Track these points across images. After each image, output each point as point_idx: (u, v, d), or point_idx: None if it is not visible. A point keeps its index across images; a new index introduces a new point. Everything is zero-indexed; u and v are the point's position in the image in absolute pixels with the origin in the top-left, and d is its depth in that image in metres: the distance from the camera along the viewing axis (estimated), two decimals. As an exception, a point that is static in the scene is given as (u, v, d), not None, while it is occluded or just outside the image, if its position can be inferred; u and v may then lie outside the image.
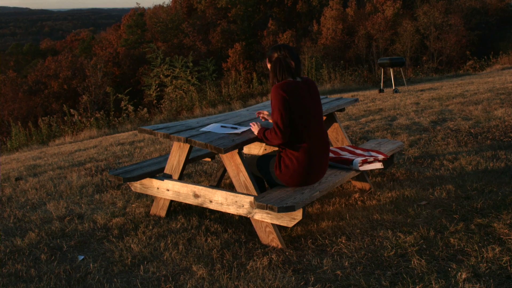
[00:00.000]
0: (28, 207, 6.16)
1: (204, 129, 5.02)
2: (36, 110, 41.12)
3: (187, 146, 5.06)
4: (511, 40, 46.85)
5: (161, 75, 17.34)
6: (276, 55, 4.68)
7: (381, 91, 14.91)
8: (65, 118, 14.87)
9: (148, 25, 59.18)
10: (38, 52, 78.21)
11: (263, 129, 4.70)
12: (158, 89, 17.51)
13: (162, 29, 57.21)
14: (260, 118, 5.27)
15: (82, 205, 6.00)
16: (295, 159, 4.54)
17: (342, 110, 6.44)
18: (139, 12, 61.58)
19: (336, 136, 6.25)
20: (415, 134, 8.24)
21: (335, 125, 6.24)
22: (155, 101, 17.12)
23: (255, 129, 4.79)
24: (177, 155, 5.16)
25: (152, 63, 18.90)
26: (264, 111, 5.30)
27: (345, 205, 5.37)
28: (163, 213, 5.40)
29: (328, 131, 6.28)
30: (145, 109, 15.13)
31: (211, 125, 5.16)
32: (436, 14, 49.18)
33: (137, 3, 64.71)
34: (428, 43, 48.90)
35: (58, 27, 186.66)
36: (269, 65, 4.75)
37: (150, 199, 5.86)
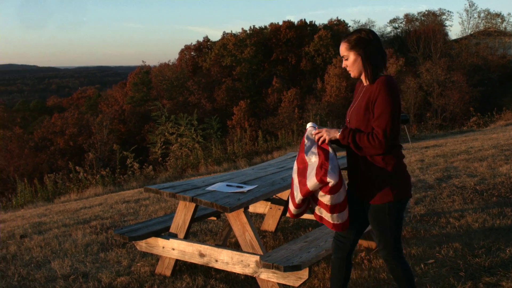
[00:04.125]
0: (32, 265, 6.14)
1: (209, 188, 5.04)
2: (42, 167, 41.15)
3: (193, 205, 5.07)
4: (514, 96, 47.14)
5: (166, 133, 17.46)
6: (367, 40, 3.87)
7: (385, 148, 14.92)
8: (71, 175, 14.92)
9: (153, 83, 59.66)
10: (44, 109, 78.73)
11: (349, 130, 3.83)
12: (164, 146, 17.60)
13: (167, 87, 57.64)
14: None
15: (87, 264, 5.98)
16: None
17: (347, 168, 6.45)
18: (145, 70, 62.14)
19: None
20: (420, 192, 8.22)
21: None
22: (160, 158, 17.19)
23: (327, 133, 3.88)
24: (183, 214, 5.17)
25: (157, 121, 19.04)
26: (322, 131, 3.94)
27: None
28: (168, 272, 5.37)
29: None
30: (151, 167, 15.19)
31: (217, 184, 5.18)
32: (438, 71, 49.58)
33: (143, 61, 65.66)
34: (432, 99, 49.17)
35: (65, 84, 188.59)
36: (353, 53, 3.88)
37: (155, 258, 5.84)
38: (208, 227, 7.12)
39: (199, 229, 7.05)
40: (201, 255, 4.93)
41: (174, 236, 5.22)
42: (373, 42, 3.84)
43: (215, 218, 6.54)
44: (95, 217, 8.54)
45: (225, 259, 4.77)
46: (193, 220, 5.33)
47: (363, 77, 3.90)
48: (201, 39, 66.86)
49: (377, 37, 3.89)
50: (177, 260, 5.34)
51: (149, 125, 43.12)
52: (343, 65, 3.97)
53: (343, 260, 4.06)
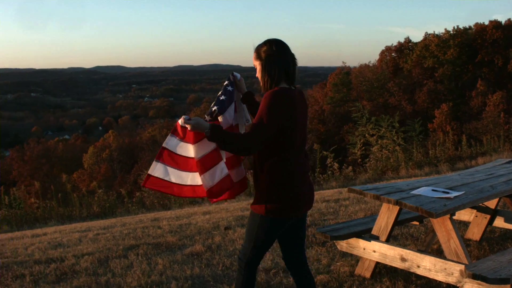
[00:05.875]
0: (235, 256, 6.40)
1: (414, 192, 4.97)
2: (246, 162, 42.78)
3: (397, 208, 5.02)
4: None
5: (366, 134, 17.41)
6: (268, 50, 3.86)
7: None
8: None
9: (353, 83, 59.61)
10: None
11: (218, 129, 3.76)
12: (363, 148, 17.55)
13: (367, 88, 57.32)
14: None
15: (288, 259, 6.12)
16: None
17: None
18: (345, 71, 62.28)
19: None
20: None
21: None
22: (360, 159, 17.17)
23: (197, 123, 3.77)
24: (386, 216, 5.14)
25: (358, 122, 19.02)
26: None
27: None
28: (368, 274, 5.37)
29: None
30: (350, 167, 15.20)
31: (422, 188, 5.10)
32: None
33: (343, 62, 65.64)
34: None
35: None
36: (258, 63, 3.91)
37: (355, 259, 5.85)
38: (409, 231, 7.00)
39: (400, 233, 6.95)
40: (403, 259, 4.88)
41: (376, 238, 5.21)
42: (275, 54, 3.80)
43: (417, 223, 6.43)
44: (295, 214, 8.72)
45: (427, 266, 4.67)
46: (396, 223, 5.28)
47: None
48: (402, 40, 65.56)
49: (282, 48, 3.85)
50: (377, 263, 5.32)
51: (348, 126, 43.16)
52: (256, 75, 3.93)
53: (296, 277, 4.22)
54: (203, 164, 3.88)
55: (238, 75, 4.20)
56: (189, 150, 3.92)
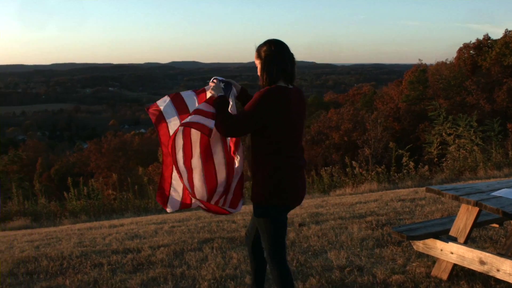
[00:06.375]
0: (310, 253, 6.41)
1: (495, 193, 4.86)
2: (317, 159, 42.57)
3: (476, 209, 4.91)
4: None
5: (443, 133, 17.05)
6: (267, 50, 4.16)
7: None
8: (347, 169, 15.18)
9: (430, 81, 58.39)
10: (321, 104, 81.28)
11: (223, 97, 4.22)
12: (440, 147, 17.20)
13: (444, 86, 56.01)
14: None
15: (362, 258, 6.09)
16: None
17: None
18: (422, 69, 61.04)
19: None
20: None
21: None
22: (436, 159, 16.85)
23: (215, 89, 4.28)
24: (464, 218, 5.04)
25: (434, 121, 18.65)
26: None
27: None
28: (444, 276, 5.28)
29: None
30: (426, 167, 14.92)
31: (503, 190, 4.98)
32: None
33: (419, 60, 64.26)
34: None
35: (341, 80, 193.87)
36: (258, 62, 4.21)
37: (431, 260, 5.75)
38: (487, 233, 6.83)
39: (478, 235, 6.80)
40: (482, 262, 4.77)
41: (454, 239, 5.11)
42: (273, 54, 4.09)
43: (497, 225, 6.27)
44: (370, 212, 8.65)
45: (507, 270, 4.56)
46: (475, 225, 5.16)
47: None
48: (480, 37, 63.70)
49: (282, 49, 4.13)
50: (454, 265, 5.22)
51: (424, 124, 42.46)
52: (258, 74, 4.18)
53: (251, 254, 4.56)
54: (194, 111, 4.13)
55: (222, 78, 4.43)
56: (192, 107, 4.27)
